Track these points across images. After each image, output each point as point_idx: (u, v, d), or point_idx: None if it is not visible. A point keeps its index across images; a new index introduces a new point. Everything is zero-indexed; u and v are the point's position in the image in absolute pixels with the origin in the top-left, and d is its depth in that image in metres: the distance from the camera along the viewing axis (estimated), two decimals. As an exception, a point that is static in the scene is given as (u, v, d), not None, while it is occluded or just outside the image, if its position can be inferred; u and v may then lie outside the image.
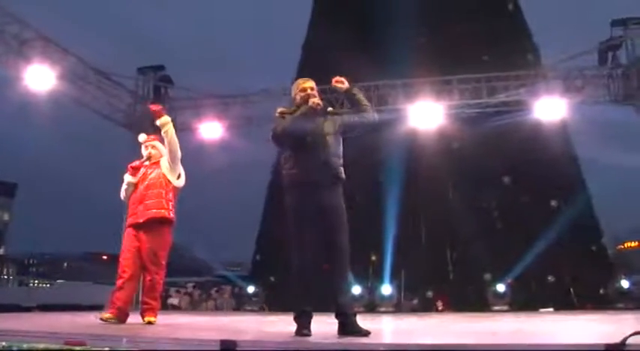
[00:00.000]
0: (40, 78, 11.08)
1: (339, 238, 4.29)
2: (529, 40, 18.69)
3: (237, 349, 3.10)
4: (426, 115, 13.20)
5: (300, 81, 4.65)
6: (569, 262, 15.28)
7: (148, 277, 6.07)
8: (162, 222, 6.00)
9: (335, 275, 4.27)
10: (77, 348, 3.45)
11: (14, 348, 3.50)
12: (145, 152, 6.36)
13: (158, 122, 6.14)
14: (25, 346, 3.51)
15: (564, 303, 13.83)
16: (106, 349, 3.41)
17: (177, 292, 17.22)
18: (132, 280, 5.98)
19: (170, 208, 6.07)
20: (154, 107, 6.28)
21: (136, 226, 6.02)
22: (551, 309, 13.26)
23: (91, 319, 7.29)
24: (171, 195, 6.12)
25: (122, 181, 6.27)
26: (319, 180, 4.28)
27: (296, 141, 4.36)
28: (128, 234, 6.07)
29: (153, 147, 6.33)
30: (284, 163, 4.46)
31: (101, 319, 5.58)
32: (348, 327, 4.15)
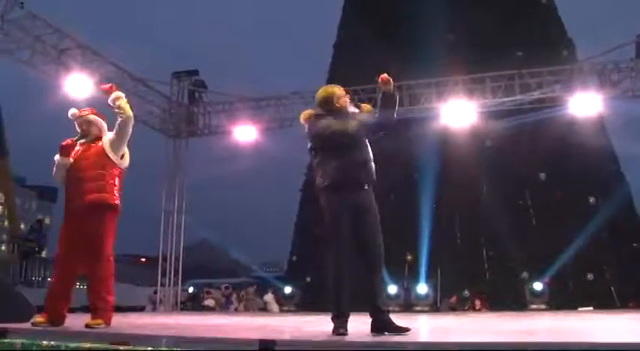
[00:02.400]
0: (79, 86, 11.35)
1: (372, 238, 4.36)
2: (563, 35, 18.40)
3: (276, 348, 3.17)
4: (459, 113, 13.12)
5: (337, 90, 4.71)
6: (610, 260, 15.01)
7: (88, 272, 5.25)
8: (102, 207, 5.23)
9: (370, 275, 4.34)
10: (121, 348, 3.57)
11: (62, 348, 3.64)
12: (78, 129, 5.56)
13: (110, 99, 5.39)
14: (72, 345, 3.64)
15: (605, 302, 13.59)
16: (149, 348, 3.51)
17: (208, 292, 17.40)
18: (64, 277, 5.27)
19: (112, 192, 5.32)
20: (104, 86, 5.55)
21: (72, 213, 5.27)
22: (590, 308, 13.04)
23: (133, 319, 7.50)
24: (115, 178, 5.39)
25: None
26: (346, 182, 4.35)
27: (323, 144, 4.46)
28: (64, 224, 5.35)
29: (88, 123, 5.49)
30: (316, 166, 4.54)
31: (32, 323, 4.99)
32: (385, 325, 4.21)
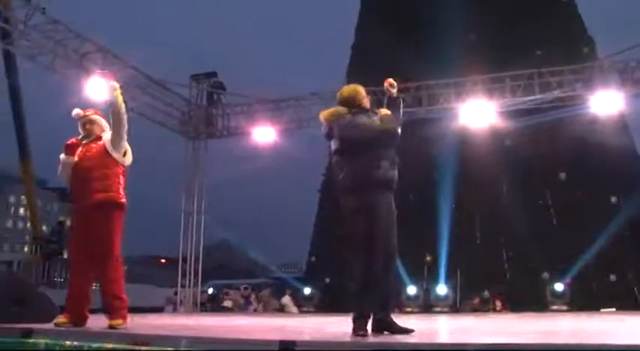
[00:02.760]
0: (100, 89, 11.44)
1: (387, 242, 4.35)
2: (583, 33, 18.21)
3: (296, 349, 3.17)
4: (478, 113, 13.02)
5: (361, 90, 4.72)
6: (633, 260, 14.81)
7: (100, 272, 5.27)
8: (110, 206, 5.23)
9: (385, 275, 4.37)
10: (142, 348, 3.61)
11: (85, 348, 3.69)
12: (82, 130, 5.59)
13: (107, 89, 5.37)
14: (94, 345, 3.69)
15: (628, 303, 13.41)
16: (170, 349, 3.54)
17: (227, 293, 17.45)
18: (80, 277, 5.30)
19: (118, 191, 5.32)
20: (108, 79, 5.57)
21: (79, 213, 5.33)
22: (613, 309, 12.88)
23: (152, 320, 7.56)
24: (119, 177, 5.38)
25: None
26: (371, 182, 4.33)
27: (353, 142, 4.44)
28: (72, 224, 5.46)
29: (90, 122, 5.53)
30: (339, 167, 4.50)
31: (55, 324, 5.06)
32: (387, 325, 4.28)
